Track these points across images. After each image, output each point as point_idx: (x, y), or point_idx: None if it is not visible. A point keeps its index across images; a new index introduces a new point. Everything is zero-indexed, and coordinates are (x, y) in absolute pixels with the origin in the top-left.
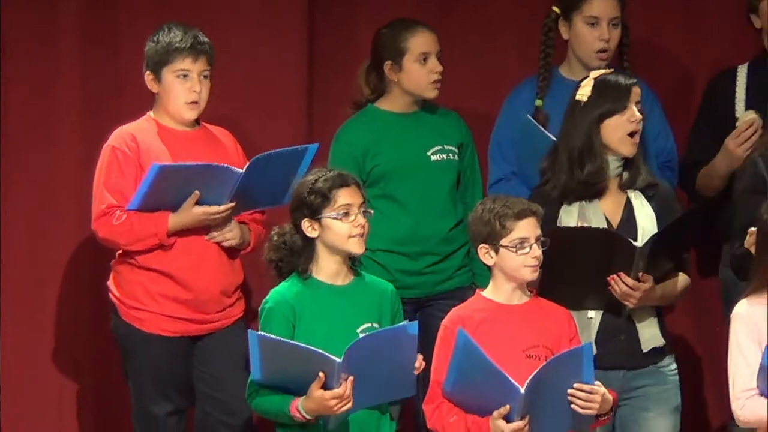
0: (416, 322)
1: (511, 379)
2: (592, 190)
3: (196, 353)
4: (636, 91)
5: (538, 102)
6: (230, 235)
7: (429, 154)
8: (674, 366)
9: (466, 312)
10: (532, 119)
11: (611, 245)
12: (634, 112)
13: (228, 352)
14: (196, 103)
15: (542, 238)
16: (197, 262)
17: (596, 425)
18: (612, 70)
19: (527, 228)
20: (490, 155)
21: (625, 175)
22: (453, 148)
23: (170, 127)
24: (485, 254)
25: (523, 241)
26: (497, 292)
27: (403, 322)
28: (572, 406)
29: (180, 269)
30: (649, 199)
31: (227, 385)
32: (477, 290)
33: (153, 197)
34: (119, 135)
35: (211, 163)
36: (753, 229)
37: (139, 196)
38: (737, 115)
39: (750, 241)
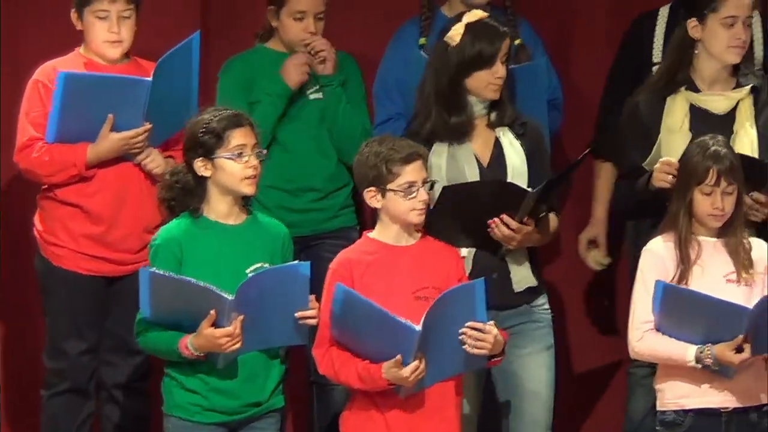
0: (308, 263)
1: (404, 320)
2: (460, 135)
3: (112, 295)
4: (505, 44)
5: (422, 40)
6: (152, 163)
7: (308, 92)
8: (547, 305)
9: (354, 255)
10: (423, 54)
11: (504, 194)
12: (499, 68)
13: None
14: (118, 42)
15: (428, 180)
16: (117, 196)
17: (489, 365)
18: (487, 14)
19: (414, 172)
20: (375, 96)
21: (493, 114)
22: (333, 87)
23: (97, 62)
24: (372, 198)
25: (411, 185)
26: (385, 233)
27: (295, 262)
28: (464, 346)
29: (99, 204)
30: (519, 136)
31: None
32: (364, 232)
33: (67, 122)
34: (43, 69)
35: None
36: (667, 162)
37: (53, 118)
38: (654, 59)
39: (660, 177)
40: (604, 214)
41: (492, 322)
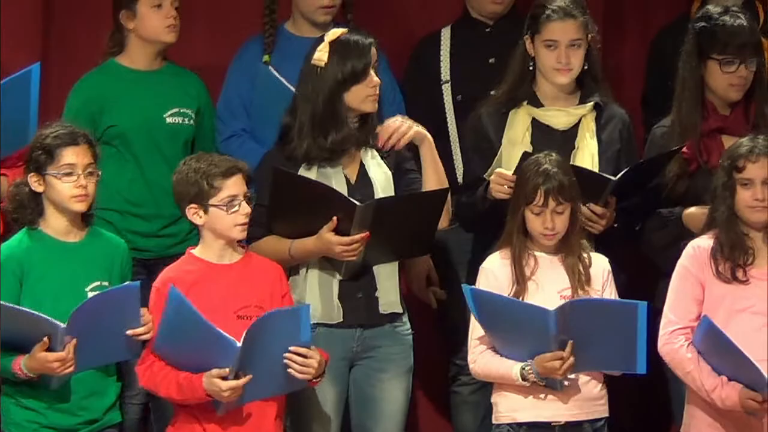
0: (138, 282)
1: (226, 335)
2: (338, 154)
3: None
4: (374, 53)
5: (266, 58)
6: None
7: (165, 116)
8: (408, 326)
9: (176, 273)
10: (271, 69)
11: (336, 204)
12: (373, 77)
13: None
14: None
15: (249, 195)
16: None
17: (310, 385)
18: (346, 30)
19: (235, 186)
20: (219, 114)
21: (359, 132)
22: (190, 112)
23: None
24: (194, 214)
25: (232, 199)
26: (208, 251)
27: (126, 283)
28: (289, 369)
29: None
30: (383, 158)
31: None
32: (188, 249)
33: None
34: None
35: None
36: (500, 174)
37: None
38: (443, 77)
39: (496, 188)
40: None
41: (314, 347)
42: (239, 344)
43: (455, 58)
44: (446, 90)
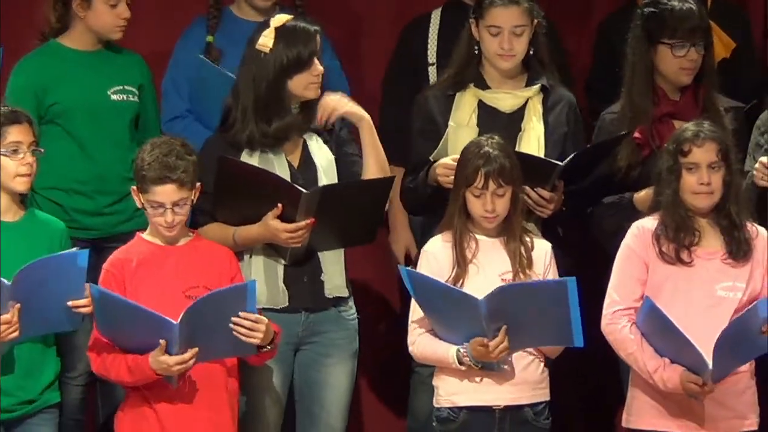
0: (87, 251)
1: (160, 314)
2: (280, 140)
3: None
4: (318, 41)
5: (210, 38)
6: None
7: (109, 93)
8: (354, 311)
9: (125, 255)
10: (205, 59)
11: (281, 191)
12: (317, 65)
13: None
14: None
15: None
16: None
17: (261, 357)
18: (291, 16)
19: (164, 194)
20: (164, 93)
21: (302, 119)
22: (133, 89)
23: None
24: (135, 195)
25: (158, 206)
26: (156, 233)
27: (74, 249)
28: (235, 333)
29: None
30: (325, 142)
31: None
32: (137, 233)
33: None
34: None
35: None
36: (444, 164)
37: None
38: (429, 60)
39: (444, 179)
40: (405, 220)
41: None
42: (176, 322)
43: (443, 40)
44: (432, 72)
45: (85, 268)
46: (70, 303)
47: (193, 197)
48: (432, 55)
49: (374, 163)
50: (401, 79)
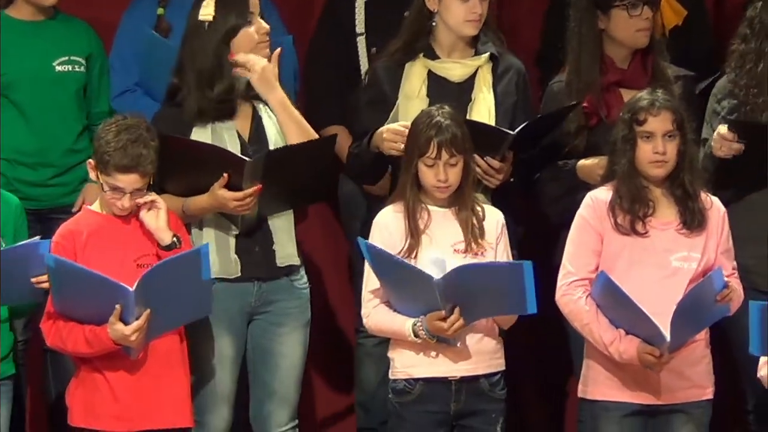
0: (48, 241)
1: (116, 281)
2: (225, 110)
3: None
4: (256, 3)
5: (160, 11)
6: None
7: (54, 64)
8: (305, 280)
9: (75, 226)
10: (155, 33)
11: (226, 161)
12: (261, 24)
13: None
14: None
15: (140, 189)
16: None
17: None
18: None
19: (126, 182)
20: (112, 67)
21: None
22: (80, 60)
23: None
24: (92, 170)
25: (118, 190)
26: (105, 206)
27: (36, 239)
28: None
29: None
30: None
31: None
32: (84, 205)
33: None
34: None
35: None
36: (392, 129)
37: None
38: (357, 30)
39: (390, 145)
40: None
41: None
42: (132, 289)
43: (370, 9)
44: (361, 42)
45: (44, 256)
46: (33, 279)
47: (150, 181)
48: (360, 25)
49: (294, 129)
50: (328, 48)
